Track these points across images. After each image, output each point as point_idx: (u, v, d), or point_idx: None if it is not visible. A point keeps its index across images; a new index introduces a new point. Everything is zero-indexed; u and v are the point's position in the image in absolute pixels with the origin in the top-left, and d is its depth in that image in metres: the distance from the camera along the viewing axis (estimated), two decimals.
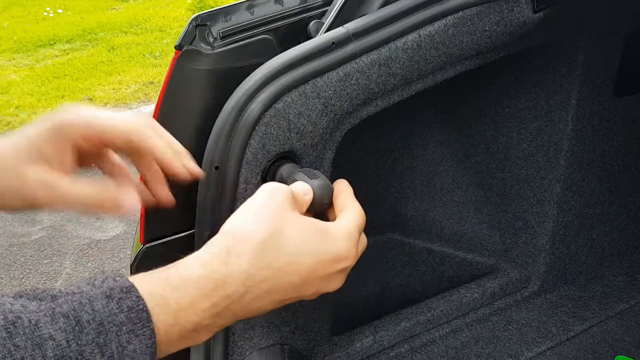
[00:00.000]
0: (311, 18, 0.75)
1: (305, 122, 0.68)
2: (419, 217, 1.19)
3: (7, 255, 2.69)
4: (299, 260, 0.47)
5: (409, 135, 1.14)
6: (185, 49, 0.68)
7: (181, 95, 0.69)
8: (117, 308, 0.40)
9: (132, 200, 0.56)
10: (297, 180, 0.58)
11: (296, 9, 0.75)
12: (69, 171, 0.54)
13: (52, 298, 0.40)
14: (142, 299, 0.42)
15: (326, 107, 0.69)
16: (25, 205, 0.53)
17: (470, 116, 1.11)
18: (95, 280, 0.42)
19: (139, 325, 0.41)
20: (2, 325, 0.37)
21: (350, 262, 0.50)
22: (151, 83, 4.59)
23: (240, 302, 0.46)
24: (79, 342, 0.38)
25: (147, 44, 5.51)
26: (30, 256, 2.67)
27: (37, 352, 0.37)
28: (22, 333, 0.37)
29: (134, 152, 0.56)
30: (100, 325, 0.39)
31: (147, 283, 0.43)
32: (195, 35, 0.68)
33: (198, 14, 0.69)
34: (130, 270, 0.74)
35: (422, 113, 1.12)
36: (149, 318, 0.41)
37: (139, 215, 0.78)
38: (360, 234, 0.53)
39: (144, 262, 0.72)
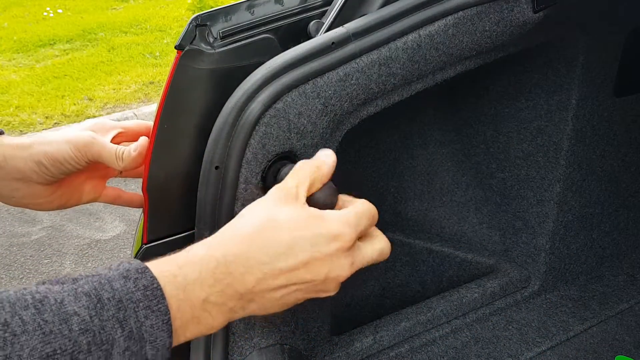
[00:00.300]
0: (311, 18, 0.75)
1: (305, 122, 0.68)
2: (419, 217, 1.20)
3: (7, 255, 2.69)
4: (295, 245, 0.50)
5: (409, 135, 1.14)
6: (187, 49, 0.68)
7: (184, 95, 0.69)
8: (134, 287, 0.44)
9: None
10: None
11: (296, 9, 0.75)
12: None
13: (73, 281, 0.44)
14: (156, 279, 0.45)
15: (326, 107, 0.69)
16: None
17: (470, 116, 1.11)
18: (112, 265, 0.46)
19: (154, 301, 0.44)
20: (31, 303, 0.40)
21: (343, 241, 0.52)
22: (151, 83, 4.60)
23: (244, 283, 0.48)
24: (101, 318, 0.42)
25: (147, 44, 5.52)
26: (30, 256, 2.67)
27: (64, 326, 0.40)
28: (49, 310, 0.40)
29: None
30: (120, 302, 0.43)
31: (159, 264, 0.47)
32: (195, 35, 0.68)
33: (198, 14, 0.69)
34: None
35: (422, 113, 1.12)
36: (163, 295, 0.45)
37: (141, 215, 0.78)
38: (360, 221, 0.54)
39: (144, 262, 0.72)
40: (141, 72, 4.80)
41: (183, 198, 0.71)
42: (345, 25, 0.71)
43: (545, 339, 1.00)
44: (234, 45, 0.71)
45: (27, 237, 2.83)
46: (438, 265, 1.16)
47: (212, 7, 0.84)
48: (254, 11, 0.72)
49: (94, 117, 4.07)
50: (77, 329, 0.40)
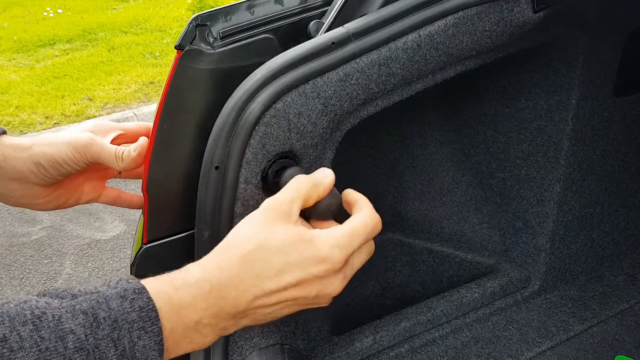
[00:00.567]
0: (311, 18, 0.75)
1: (305, 122, 0.68)
2: (419, 217, 1.20)
3: (7, 255, 2.69)
4: (285, 268, 0.51)
5: (409, 135, 1.14)
6: (187, 49, 0.68)
7: (183, 95, 0.69)
8: (130, 307, 0.45)
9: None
10: None
11: (296, 9, 0.75)
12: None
13: (72, 297, 0.45)
14: (152, 300, 0.47)
15: (326, 107, 0.69)
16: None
17: (470, 116, 1.11)
18: (111, 282, 0.48)
19: (148, 323, 0.46)
20: (30, 319, 0.42)
21: (332, 263, 0.52)
22: (151, 83, 4.60)
23: (236, 305, 0.50)
24: (96, 337, 0.43)
25: (147, 44, 5.52)
26: (30, 256, 2.67)
27: (59, 343, 0.42)
28: (47, 327, 0.42)
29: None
30: (115, 322, 0.44)
31: (156, 285, 0.48)
32: (195, 35, 0.68)
33: (198, 14, 0.69)
34: (131, 270, 0.74)
35: (422, 113, 1.12)
36: (157, 317, 0.46)
37: (141, 215, 0.78)
38: (353, 241, 0.54)
39: (144, 262, 0.72)
40: (141, 72, 4.80)
41: (183, 198, 0.71)
42: (345, 25, 0.71)
43: (545, 339, 1.00)
44: (234, 45, 0.71)
45: (27, 237, 2.83)
46: (438, 265, 1.16)
47: (212, 7, 0.84)
48: (254, 11, 0.72)
49: (94, 117, 4.06)
50: (72, 347, 0.42)
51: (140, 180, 0.71)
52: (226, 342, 0.73)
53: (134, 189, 0.71)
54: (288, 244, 0.52)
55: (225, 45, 0.70)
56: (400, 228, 1.19)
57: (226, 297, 0.50)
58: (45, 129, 3.88)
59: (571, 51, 0.96)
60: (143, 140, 0.70)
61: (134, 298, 0.46)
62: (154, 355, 0.46)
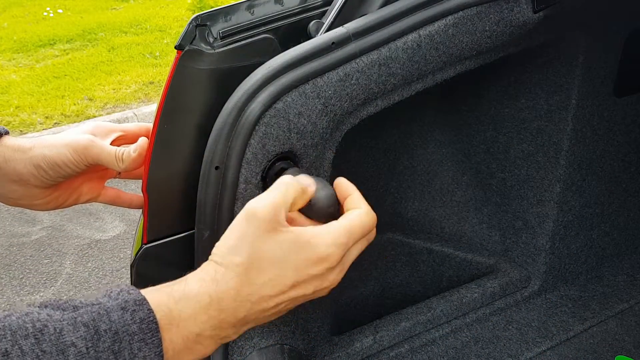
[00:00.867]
0: (311, 18, 0.75)
1: (305, 122, 0.68)
2: (419, 217, 1.20)
3: (7, 255, 2.69)
4: (280, 274, 0.51)
5: (409, 135, 1.14)
6: (187, 49, 0.68)
7: (183, 95, 0.69)
8: (131, 319, 0.46)
9: None
10: None
11: (296, 9, 0.75)
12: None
13: (73, 308, 0.46)
14: (153, 312, 0.47)
15: (326, 107, 0.69)
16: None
17: (470, 116, 1.11)
18: (112, 292, 0.48)
19: (149, 334, 0.46)
20: (32, 332, 0.42)
21: (331, 262, 0.52)
22: (151, 83, 4.59)
23: (236, 315, 0.51)
24: (97, 349, 0.44)
25: (147, 44, 5.52)
26: (30, 256, 2.67)
27: (60, 357, 0.42)
28: (48, 340, 0.42)
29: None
30: (116, 334, 0.45)
31: (156, 296, 0.49)
32: (195, 35, 0.68)
33: (198, 14, 0.69)
34: (131, 270, 0.74)
35: (422, 113, 1.12)
36: (157, 329, 0.46)
37: (141, 215, 0.78)
38: (350, 238, 0.54)
39: (144, 262, 0.72)
40: (141, 72, 4.80)
41: (183, 198, 0.71)
42: (345, 25, 0.71)
43: (545, 339, 1.00)
44: (234, 45, 0.71)
45: (27, 237, 2.83)
46: (438, 265, 1.16)
47: (212, 7, 0.84)
48: (254, 11, 0.72)
49: (94, 117, 4.06)
50: (73, 359, 0.42)
51: (140, 181, 0.71)
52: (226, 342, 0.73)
53: (134, 189, 0.71)
54: (280, 251, 0.51)
55: (225, 45, 0.70)
56: (400, 228, 1.19)
57: (225, 309, 0.50)
58: (45, 129, 3.88)
59: (571, 51, 0.96)
60: (143, 141, 0.70)
61: (134, 310, 0.46)
62: None
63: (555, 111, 1.01)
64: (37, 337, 0.42)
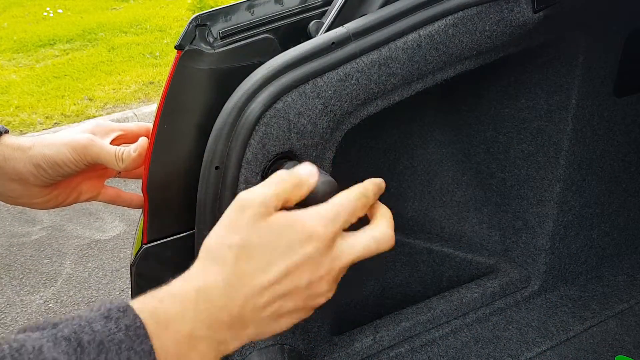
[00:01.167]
0: (311, 18, 0.75)
1: (305, 122, 0.68)
2: (419, 217, 1.20)
3: (7, 255, 2.69)
4: (270, 261, 0.48)
5: (409, 135, 1.14)
6: (187, 49, 0.68)
7: (183, 95, 0.69)
8: (116, 327, 0.42)
9: None
10: None
11: (296, 9, 0.75)
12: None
13: (53, 325, 0.42)
14: (139, 317, 0.43)
15: (326, 107, 0.69)
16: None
17: (470, 116, 1.11)
18: (94, 305, 0.45)
19: (137, 342, 0.42)
20: (8, 353, 0.38)
21: (318, 240, 0.49)
22: (151, 83, 4.59)
23: (229, 312, 0.47)
24: None
25: (147, 44, 5.52)
26: (30, 256, 2.67)
27: None
28: (27, 359, 0.39)
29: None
30: (101, 344, 0.41)
31: (140, 301, 0.46)
32: (195, 35, 0.68)
33: (198, 14, 0.69)
34: (131, 270, 0.74)
35: (422, 113, 1.12)
36: (146, 334, 0.43)
37: (141, 215, 0.78)
38: (339, 214, 0.50)
39: (144, 262, 0.72)
40: (141, 72, 4.80)
41: (183, 198, 0.71)
42: (345, 25, 0.71)
43: (545, 339, 1.00)
44: (234, 45, 0.71)
45: (27, 237, 2.83)
46: (438, 265, 1.16)
47: (212, 7, 0.84)
48: (254, 11, 0.72)
49: (94, 117, 4.06)
50: None
51: (140, 180, 0.71)
52: None
53: (134, 188, 0.71)
54: (270, 235, 0.48)
55: (225, 45, 0.70)
56: (400, 228, 1.19)
57: (215, 302, 0.46)
58: (45, 129, 3.88)
59: (571, 51, 0.96)
60: (143, 141, 0.70)
61: (118, 317, 0.43)
62: None
63: (555, 111, 1.01)
64: (14, 356, 0.38)
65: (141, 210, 0.75)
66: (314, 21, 0.74)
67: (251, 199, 0.50)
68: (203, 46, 0.69)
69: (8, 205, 0.72)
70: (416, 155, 1.16)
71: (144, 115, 4.08)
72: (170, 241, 0.72)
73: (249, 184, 0.66)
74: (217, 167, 0.66)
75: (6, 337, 0.40)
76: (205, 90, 0.70)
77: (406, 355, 0.96)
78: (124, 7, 6.94)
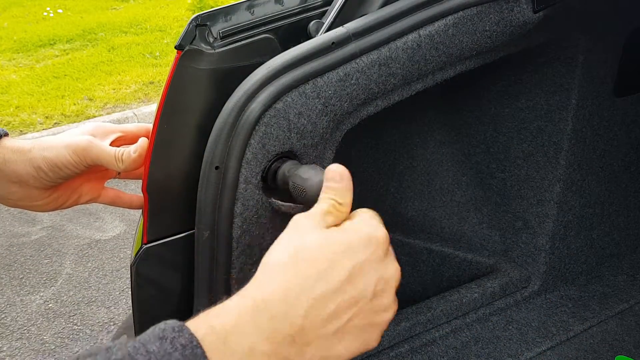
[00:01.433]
0: (311, 18, 0.75)
1: (305, 122, 0.68)
2: (419, 217, 1.19)
3: (7, 255, 2.69)
4: (332, 264, 0.46)
5: (409, 135, 1.14)
6: (187, 49, 0.68)
7: (183, 95, 0.69)
8: (171, 347, 0.40)
9: None
10: (297, 176, 0.59)
11: (296, 9, 0.75)
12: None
13: (106, 350, 0.40)
14: (195, 336, 0.41)
15: (326, 107, 0.69)
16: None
17: (470, 116, 1.11)
18: (149, 329, 0.43)
19: None
20: None
21: (377, 242, 0.48)
22: (151, 83, 4.60)
23: (291, 323, 0.44)
24: None
25: (147, 44, 5.52)
26: (30, 256, 2.67)
27: None
28: None
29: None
30: None
31: (195, 320, 0.44)
32: (195, 35, 0.68)
33: (198, 14, 0.69)
34: (131, 270, 0.74)
35: (422, 113, 1.12)
36: (203, 354, 0.41)
37: (141, 215, 0.78)
38: (381, 225, 0.50)
39: (144, 262, 0.72)
40: (141, 72, 4.80)
41: (183, 198, 0.71)
42: (345, 25, 0.71)
43: (545, 339, 1.00)
44: (234, 45, 0.70)
45: (27, 237, 2.83)
46: (438, 265, 1.16)
47: (212, 7, 0.84)
48: (254, 11, 0.72)
49: (94, 117, 4.06)
50: None
51: (140, 181, 0.71)
52: None
53: (134, 189, 0.71)
54: (329, 239, 0.47)
55: (225, 45, 0.70)
56: (400, 228, 1.19)
57: (274, 313, 0.43)
58: (45, 129, 3.88)
59: (571, 51, 0.96)
60: (143, 141, 0.70)
61: (174, 337, 0.41)
62: None
63: (555, 111, 1.01)
64: None
65: (141, 210, 0.75)
66: (314, 21, 0.74)
67: (306, 215, 0.49)
68: (203, 46, 0.69)
69: (7, 206, 0.72)
70: (416, 155, 1.16)
71: (144, 115, 4.08)
72: (170, 241, 0.72)
73: (249, 184, 0.66)
74: (217, 167, 0.66)
75: None
76: (205, 90, 0.70)
77: (406, 355, 0.96)
78: (124, 7, 6.94)
